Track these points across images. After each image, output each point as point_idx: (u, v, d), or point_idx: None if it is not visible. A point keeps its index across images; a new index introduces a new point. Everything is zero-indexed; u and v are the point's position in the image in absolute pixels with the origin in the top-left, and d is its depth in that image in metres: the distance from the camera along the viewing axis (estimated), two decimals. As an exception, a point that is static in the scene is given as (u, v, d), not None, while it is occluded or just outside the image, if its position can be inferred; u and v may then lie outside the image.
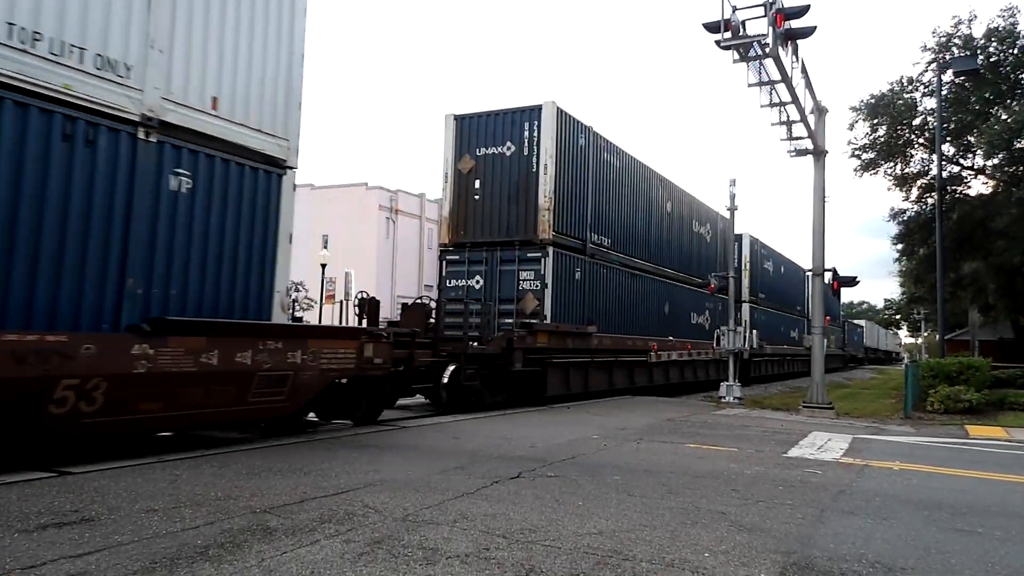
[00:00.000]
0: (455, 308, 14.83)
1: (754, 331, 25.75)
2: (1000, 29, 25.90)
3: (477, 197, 15.79)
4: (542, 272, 14.96)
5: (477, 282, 15.53)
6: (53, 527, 4.50)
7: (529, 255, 15.11)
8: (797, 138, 17.01)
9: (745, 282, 29.01)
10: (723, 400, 18.92)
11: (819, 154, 17.03)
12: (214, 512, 5.01)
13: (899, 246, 32.42)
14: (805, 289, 39.93)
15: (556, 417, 12.54)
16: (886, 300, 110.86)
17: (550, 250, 15.10)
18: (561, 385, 15.71)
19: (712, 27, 12.89)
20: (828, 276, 17.21)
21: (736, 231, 25.72)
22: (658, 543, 4.68)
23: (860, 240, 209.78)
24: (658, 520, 5.31)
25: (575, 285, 16.10)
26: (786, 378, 35.67)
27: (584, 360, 16.69)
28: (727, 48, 13.12)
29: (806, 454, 9.30)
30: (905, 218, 31.10)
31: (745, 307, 29.02)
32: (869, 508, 6.08)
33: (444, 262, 16.13)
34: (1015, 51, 25.83)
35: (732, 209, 21.83)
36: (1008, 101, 25.68)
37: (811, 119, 16.65)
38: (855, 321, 74.36)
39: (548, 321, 14.83)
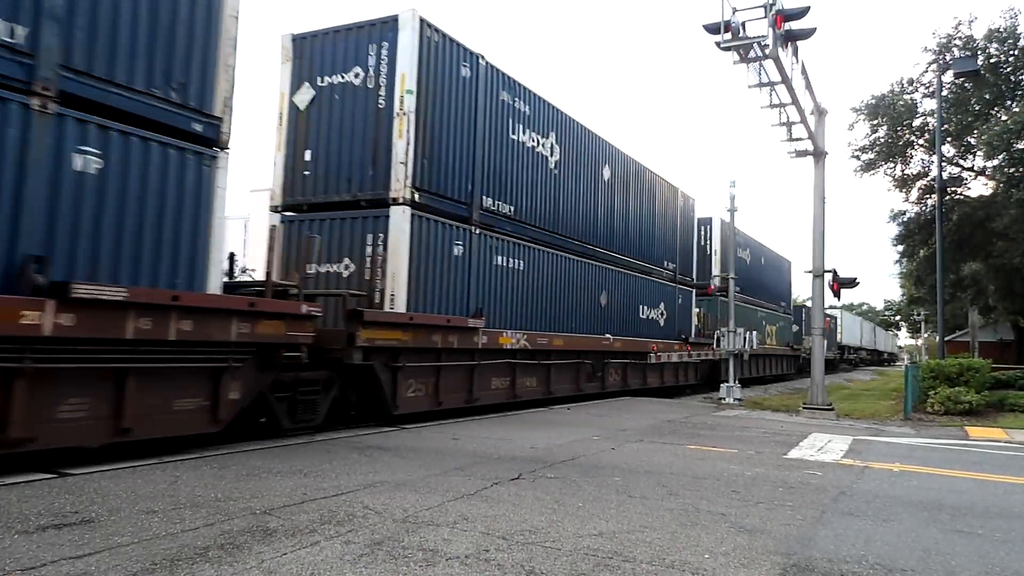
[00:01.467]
0: None
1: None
2: (1001, 30, 25.93)
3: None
4: None
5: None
6: (53, 528, 4.51)
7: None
8: (797, 139, 16.98)
9: (477, 166, 12.86)
10: (723, 401, 18.96)
11: (819, 155, 17.03)
12: (214, 513, 5.01)
13: (899, 247, 32.47)
14: (693, 234, 23.76)
15: (557, 418, 12.55)
16: (886, 301, 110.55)
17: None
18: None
19: (712, 28, 12.89)
20: (828, 277, 17.20)
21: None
22: (658, 544, 4.68)
23: (860, 241, 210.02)
24: (658, 521, 5.31)
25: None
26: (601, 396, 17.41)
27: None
28: (727, 49, 13.11)
29: (806, 455, 9.30)
30: (905, 219, 31.19)
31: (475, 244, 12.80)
32: (869, 509, 6.08)
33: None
34: (1016, 52, 25.86)
35: (732, 210, 21.86)
36: (1008, 102, 25.72)
37: (811, 120, 16.66)
38: (829, 312, 53.14)
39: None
